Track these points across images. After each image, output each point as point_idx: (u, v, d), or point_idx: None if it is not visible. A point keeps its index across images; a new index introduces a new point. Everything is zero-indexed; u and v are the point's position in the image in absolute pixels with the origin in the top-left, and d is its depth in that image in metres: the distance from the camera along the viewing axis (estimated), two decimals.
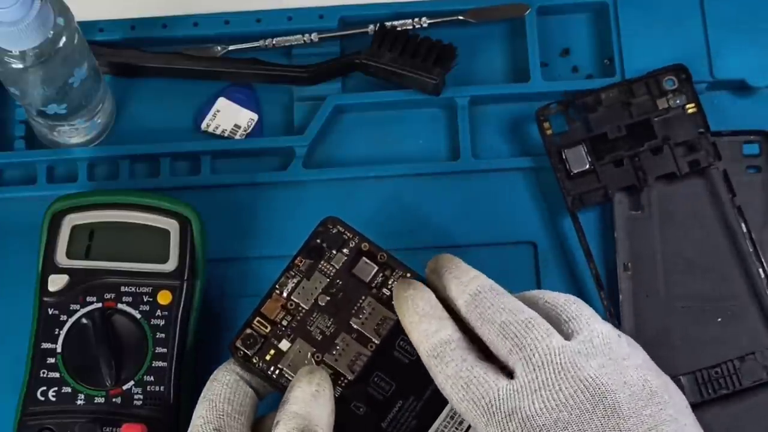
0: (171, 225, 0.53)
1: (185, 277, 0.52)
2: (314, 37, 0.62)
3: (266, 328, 0.46)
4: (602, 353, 0.41)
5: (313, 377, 0.43)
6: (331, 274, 0.46)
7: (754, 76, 0.59)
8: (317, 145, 0.60)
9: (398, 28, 0.61)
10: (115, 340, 0.51)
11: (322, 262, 0.47)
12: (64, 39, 0.52)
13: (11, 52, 0.51)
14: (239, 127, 0.61)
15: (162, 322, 0.52)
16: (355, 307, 0.46)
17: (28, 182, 0.60)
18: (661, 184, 0.57)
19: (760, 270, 0.55)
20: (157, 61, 0.61)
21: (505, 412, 0.40)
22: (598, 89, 0.59)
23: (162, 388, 0.51)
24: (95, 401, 0.50)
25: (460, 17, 0.62)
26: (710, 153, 0.57)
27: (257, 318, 0.46)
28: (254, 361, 0.45)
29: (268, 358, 0.45)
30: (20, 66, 0.51)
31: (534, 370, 0.40)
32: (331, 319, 0.46)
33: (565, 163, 0.57)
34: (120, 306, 0.52)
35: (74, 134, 0.59)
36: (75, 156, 0.60)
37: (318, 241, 0.47)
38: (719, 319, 0.55)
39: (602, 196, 0.57)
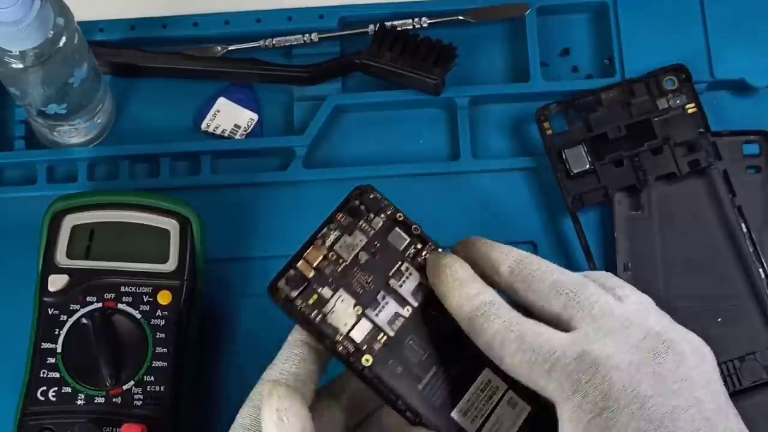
0: (171, 225, 0.53)
1: (185, 277, 0.52)
2: (314, 37, 0.62)
3: (310, 272, 0.44)
4: (657, 312, 0.42)
5: (271, 402, 0.40)
6: (370, 234, 0.45)
7: (754, 76, 0.59)
8: (317, 145, 0.60)
9: (398, 28, 0.61)
10: (115, 340, 0.51)
11: (361, 222, 0.45)
12: (64, 39, 0.52)
13: (11, 52, 0.51)
14: (239, 127, 0.61)
15: (162, 322, 0.52)
16: (394, 269, 0.45)
17: (28, 182, 0.60)
18: (661, 184, 0.57)
19: (760, 270, 0.55)
20: (157, 61, 0.61)
21: (572, 356, 0.39)
22: (598, 89, 0.59)
23: (162, 388, 0.51)
24: (95, 401, 0.50)
25: (460, 17, 0.62)
26: (710, 153, 0.57)
27: (300, 261, 0.44)
28: (297, 303, 0.43)
29: (311, 302, 0.43)
30: (20, 66, 0.51)
31: (596, 320, 0.40)
32: (371, 276, 0.45)
33: (565, 163, 0.57)
34: (120, 306, 0.52)
35: (74, 134, 0.59)
36: (75, 156, 0.60)
37: (357, 202, 0.46)
38: (719, 319, 0.55)
39: (602, 196, 0.57)
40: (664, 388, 0.38)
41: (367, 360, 0.43)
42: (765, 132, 0.58)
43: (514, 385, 0.43)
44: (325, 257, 0.44)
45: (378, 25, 0.61)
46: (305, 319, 0.43)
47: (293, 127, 0.61)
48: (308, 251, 0.44)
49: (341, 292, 0.44)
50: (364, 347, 0.43)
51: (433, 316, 0.45)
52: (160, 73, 0.62)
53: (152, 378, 0.51)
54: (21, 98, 0.56)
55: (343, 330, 0.43)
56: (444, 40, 0.60)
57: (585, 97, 0.59)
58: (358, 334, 0.43)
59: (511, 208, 0.59)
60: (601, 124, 0.58)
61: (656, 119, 0.58)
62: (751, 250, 0.56)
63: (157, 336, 0.51)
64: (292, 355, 0.43)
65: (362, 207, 0.46)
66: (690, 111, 0.58)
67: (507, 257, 0.43)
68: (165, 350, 0.51)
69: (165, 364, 0.51)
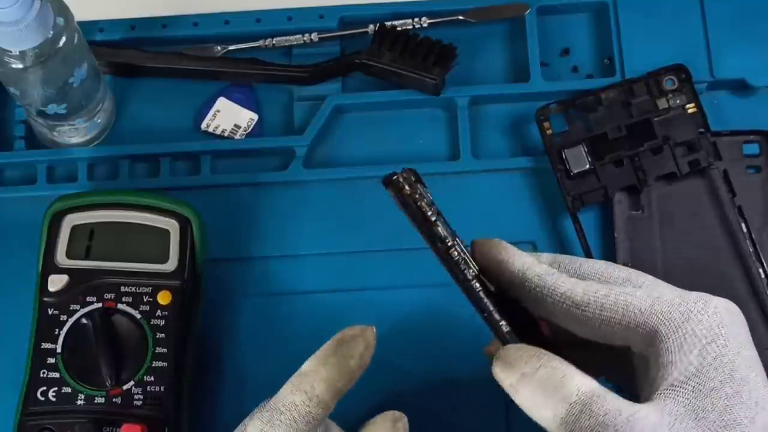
0: (171, 225, 0.53)
1: (185, 277, 0.52)
2: (314, 37, 0.62)
3: (414, 182, 0.42)
4: None
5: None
6: (430, 197, 0.43)
7: (754, 76, 0.59)
8: (317, 145, 0.60)
9: (398, 28, 0.61)
10: (115, 340, 0.51)
11: (422, 186, 0.43)
12: (64, 39, 0.52)
13: (11, 52, 0.51)
14: (239, 127, 0.61)
15: (162, 322, 0.52)
16: (454, 232, 0.43)
17: (28, 182, 0.60)
18: (661, 184, 0.57)
19: (760, 270, 0.55)
20: (157, 61, 0.61)
21: (673, 296, 0.39)
22: (598, 89, 0.59)
23: (162, 388, 0.51)
24: (95, 401, 0.50)
25: (460, 17, 0.62)
26: (710, 153, 0.57)
27: (403, 173, 0.42)
28: (415, 197, 0.41)
29: (424, 202, 0.41)
30: (20, 66, 0.51)
31: (666, 287, 0.41)
32: (447, 223, 0.43)
33: (565, 163, 0.57)
34: (120, 306, 0.52)
35: (74, 134, 0.59)
36: (75, 156, 0.60)
37: (414, 172, 0.43)
38: None
39: (602, 196, 0.57)
40: (748, 339, 0.39)
41: (474, 270, 0.42)
42: (765, 132, 0.58)
43: None
44: (415, 183, 0.42)
45: (378, 25, 0.61)
46: (423, 215, 0.41)
47: (293, 127, 0.61)
48: (405, 171, 0.42)
49: (437, 216, 0.42)
50: (465, 264, 0.42)
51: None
52: (160, 73, 0.62)
53: (152, 378, 0.51)
54: (21, 98, 0.56)
55: (450, 240, 0.41)
56: (444, 40, 0.60)
57: (585, 97, 0.59)
58: (461, 253, 0.42)
59: (511, 208, 0.59)
60: (601, 124, 0.58)
61: (656, 119, 0.58)
62: (751, 250, 0.56)
63: (157, 336, 0.51)
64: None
65: (418, 177, 0.44)
66: (690, 111, 0.58)
67: (540, 258, 0.44)
68: (165, 350, 0.51)
69: (165, 364, 0.51)
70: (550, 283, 0.41)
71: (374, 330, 0.42)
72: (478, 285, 0.42)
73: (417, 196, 0.41)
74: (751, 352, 0.38)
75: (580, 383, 0.38)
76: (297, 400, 0.41)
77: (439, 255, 0.42)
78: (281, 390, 0.41)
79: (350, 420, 0.45)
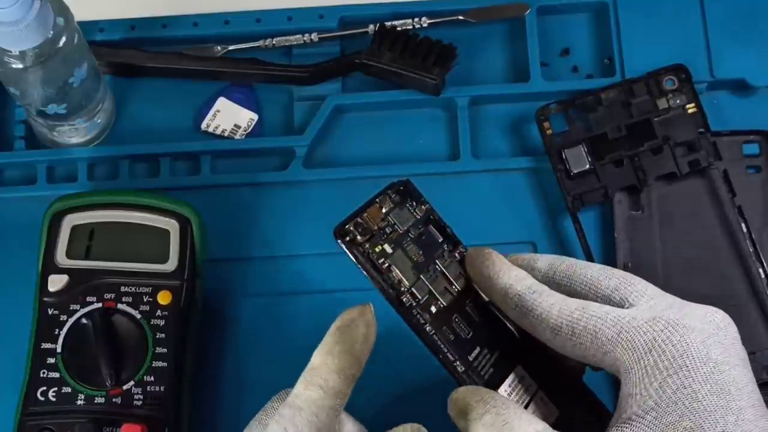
0: (171, 225, 0.53)
1: (185, 277, 0.52)
2: (314, 37, 0.62)
3: (374, 225, 0.44)
4: None
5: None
6: (417, 216, 0.46)
7: (754, 76, 0.59)
8: (317, 145, 0.60)
9: (398, 28, 0.61)
10: (115, 340, 0.51)
11: (407, 204, 0.46)
12: (64, 39, 0.52)
13: (11, 52, 0.51)
14: (239, 127, 0.61)
15: (162, 322, 0.52)
16: (438, 252, 0.46)
17: (28, 182, 0.60)
18: (661, 184, 0.57)
19: (760, 270, 0.55)
20: (157, 61, 0.61)
21: (643, 319, 0.39)
22: (598, 89, 0.59)
23: (162, 388, 0.51)
24: (95, 401, 0.50)
25: (460, 17, 0.62)
26: (710, 153, 0.57)
27: (364, 215, 0.44)
28: (365, 247, 0.43)
29: (377, 249, 0.43)
30: (20, 66, 0.51)
31: (653, 298, 0.41)
32: (421, 252, 0.45)
33: (565, 163, 0.57)
34: (120, 306, 0.52)
35: (74, 134, 0.59)
36: (75, 156, 0.60)
37: (401, 188, 0.46)
38: None
39: (602, 196, 0.57)
40: (729, 358, 0.39)
41: (431, 313, 0.43)
42: (765, 132, 0.58)
43: (544, 385, 0.44)
44: (383, 219, 0.44)
45: (378, 25, 0.61)
46: (373, 264, 0.43)
47: (293, 127, 0.61)
48: (368, 210, 0.44)
49: (400, 253, 0.44)
50: (423, 305, 0.43)
51: (471, 306, 0.45)
52: (160, 73, 0.62)
53: (152, 378, 0.51)
54: (21, 98, 0.56)
55: (406, 284, 0.43)
56: (444, 40, 0.60)
57: (585, 97, 0.59)
58: (419, 293, 0.44)
59: (511, 208, 0.59)
60: (601, 124, 0.58)
61: (656, 119, 0.58)
62: (751, 250, 0.56)
63: (157, 336, 0.51)
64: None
65: (406, 193, 0.46)
66: (690, 111, 0.58)
67: (538, 260, 0.45)
68: (165, 350, 0.51)
69: (165, 364, 0.51)
70: (528, 303, 0.42)
71: (371, 307, 0.42)
72: (430, 328, 0.43)
73: (368, 245, 0.43)
74: (727, 375, 0.38)
75: (521, 431, 0.38)
76: (314, 395, 0.41)
77: (390, 301, 0.43)
78: (296, 386, 0.41)
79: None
